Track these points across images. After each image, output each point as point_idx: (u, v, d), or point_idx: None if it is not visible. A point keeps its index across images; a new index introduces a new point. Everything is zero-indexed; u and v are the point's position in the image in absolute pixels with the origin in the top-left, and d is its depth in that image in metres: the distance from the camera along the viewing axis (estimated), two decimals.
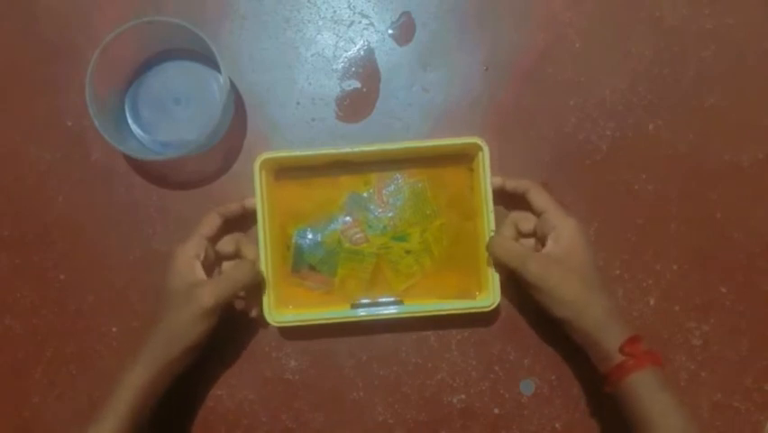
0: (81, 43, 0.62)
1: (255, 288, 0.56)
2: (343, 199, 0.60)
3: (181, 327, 0.52)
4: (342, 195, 0.60)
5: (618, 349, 0.50)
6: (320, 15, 0.63)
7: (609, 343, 0.51)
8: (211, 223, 0.56)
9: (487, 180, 0.56)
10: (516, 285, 0.57)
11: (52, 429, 0.61)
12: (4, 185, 0.62)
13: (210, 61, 0.59)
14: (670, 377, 0.52)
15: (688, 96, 0.62)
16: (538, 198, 0.56)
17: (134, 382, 0.51)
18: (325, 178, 0.60)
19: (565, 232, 0.53)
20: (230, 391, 0.60)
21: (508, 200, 0.59)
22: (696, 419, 0.50)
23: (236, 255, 0.59)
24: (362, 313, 0.58)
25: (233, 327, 0.59)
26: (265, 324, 0.57)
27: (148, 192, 0.62)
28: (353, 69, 0.63)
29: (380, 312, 0.58)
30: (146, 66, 0.61)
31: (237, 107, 0.62)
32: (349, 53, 0.63)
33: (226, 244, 0.58)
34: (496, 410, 0.60)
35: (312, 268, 0.60)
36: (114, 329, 0.61)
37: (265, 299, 0.57)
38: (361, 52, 0.63)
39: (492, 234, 0.57)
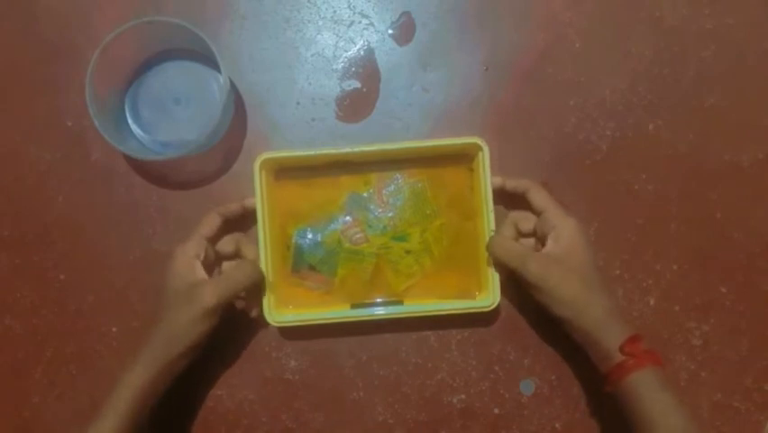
0: (81, 43, 0.62)
1: (255, 288, 0.56)
2: (343, 199, 0.60)
3: (182, 326, 0.52)
4: (342, 195, 0.60)
5: (618, 348, 0.50)
6: (320, 15, 0.63)
7: (609, 342, 0.51)
8: (211, 223, 0.56)
9: (487, 180, 0.56)
10: (516, 285, 0.57)
11: (52, 429, 0.61)
12: (4, 185, 0.62)
13: (210, 61, 0.59)
14: (670, 377, 0.52)
15: (688, 96, 0.62)
16: (538, 197, 0.56)
17: (135, 381, 0.51)
18: (325, 178, 0.60)
19: (565, 232, 0.53)
20: (230, 391, 0.60)
21: (508, 200, 0.59)
22: (696, 419, 0.50)
23: (236, 255, 0.59)
24: (362, 313, 0.58)
25: (233, 326, 0.59)
26: (265, 324, 0.57)
27: (148, 192, 0.62)
28: (353, 69, 0.63)
29: (380, 312, 0.58)
30: (146, 66, 0.61)
31: (237, 107, 0.62)
32: (349, 53, 0.63)
33: (226, 244, 0.58)
34: (496, 410, 0.60)
35: (312, 268, 0.60)
36: (114, 329, 0.61)
37: (265, 300, 0.57)
38: (361, 52, 0.63)
39: (492, 234, 0.57)
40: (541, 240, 0.56)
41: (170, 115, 0.61)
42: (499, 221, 0.58)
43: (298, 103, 0.63)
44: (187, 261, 0.54)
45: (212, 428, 0.60)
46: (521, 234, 0.58)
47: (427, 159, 0.60)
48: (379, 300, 0.60)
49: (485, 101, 0.62)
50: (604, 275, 0.58)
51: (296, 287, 0.60)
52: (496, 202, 0.57)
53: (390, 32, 0.63)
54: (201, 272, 0.54)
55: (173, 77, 0.61)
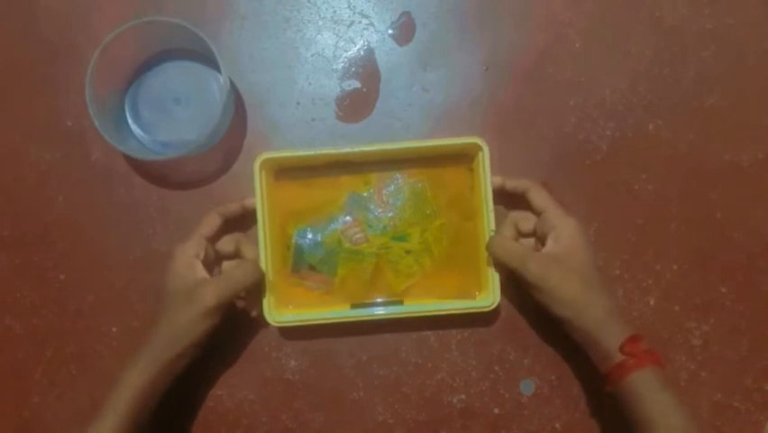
0: (81, 43, 0.62)
1: (256, 288, 0.56)
2: (343, 199, 0.60)
3: (182, 326, 0.52)
4: (342, 195, 0.60)
5: (619, 348, 0.50)
6: (320, 15, 0.63)
7: (610, 342, 0.51)
8: (211, 223, 0.56)
9: (487, 180, 0.56)
10: (516, 285, 0.57)
11: (52, 429, 0.61)
12: (4, 185, 0.62)
13: (210, 61, 0.59)
14: (670, 377, 0.52)
15: (688, 96, 0.62)
16: (538, 197, 0.56)
17: (135, 381, 0.51)
18: (325, 178, 0.60)
19: (565, 231, 0.53)
20: (230, 391, 0.60)
21: (508, 200, 0.59)
22: (696, 419, 0.50)
23: (236, 255, 0.59)
24: (362, 313, 0.58)
25: (233, 326, 0.59)
26: (265, 324, 0.57)
27: (148, 192, 0.62)
28: (353, 69, 0.63)
29: (380, 312, 0.58)
30: (146, 66, 0.61)
31: (237, 107, 0.62)
32: (349, 53, 0.63)
33: (226, 244, 0.58)
34: (496, 410, 0.60)
35: (312, 268, 0.60)
36: (114, 329, 0.61)
37: (265, 300, 0.57)
38: (361, 52, 0.63)
39: (492, 234, 0.56)
40: (541, 240, 0.56)
41: (170, 115, 0.61)
42: (499, 221, 0.58)
43: (298, 103, 0.63)
44: (187, 260, 0.54)
45: (212, 428, 0.60)
46: (521, 234, 0.58)
47: (427, 159, 0.60)
48: (379, 300, 0.60)
49: (485, 101, 0.62)
50: (604, 275, 0.58)
51: (296, 287, 0.60)
52: (496, 202, 0.57)
53: (390, 32, 0.63)
54: (202, 272, 0.54)
55: (173, 77, 0.61)
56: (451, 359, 0.61)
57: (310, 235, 0.60)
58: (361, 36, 0.63)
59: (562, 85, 0.62)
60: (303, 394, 0.61)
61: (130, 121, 0.61)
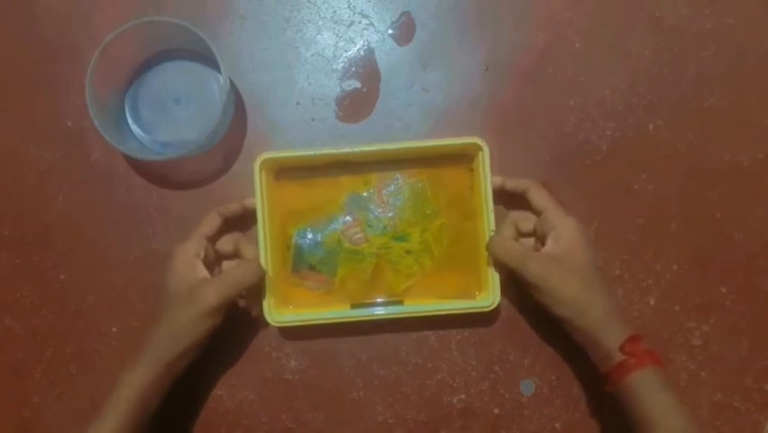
0: (81, 43, 0.62)
1: (256, 287, 0.56)
2: (343, 199, 0.60)
3: (184, 326, 0.52)
4: (342, 195, 0.60)
5: (619, 348, 0.50)
6: (320, 15, 0.63)
7: (610, 342, 0.51)
8: (211, 223, 0.56)
9: (487, 180, 0.56)
10: (516, 285, 0.57)
11: (52, 429, 0.61)
12: (4, 185, 0.62)
13: (210, 61, 0.59)
14: (670, 377, 0.52)
15: (688, 96, 0.62)
16: (538, 197, 0.56)
17: (136, 381, 0.51)
18: (325, 178, 0.60)
19: (565, 231, 0.53)
20: (230, 391, 0.60)
21: (508, 200, 0.59)
22: (696, 419, 0.50)
23: (235, 255, 0.59)
24: (362, 313, 0.58)
25: (233, 326, 0.59)
26: (265, 324, 0.57)
27: (148, 192, 0.62)
28: (353, 69, 0.63)
29: (380, 312, 0.58)
30: (146, 66, 0.61)
31: (237, 107, 0.62)
32: (349, 53, 0.63)
33: (225, 244, 0.58)
34: (496, 410, 0.60)
35: (312, 268, 0.60)
36: (114, 329, 0.61)
37: (265, 300, 0.57)
38: (361, 52, 0.63)
39: (492, 233, 0.56)
40: (541, 240, 0.56)
41: (170, 115, 0.61)
42: (499, 221, 0.58)
43: (298, 103, 0.63)
44: (188, 260, 0.54)
45: (212, 428, 0.60)
46: (521, 234, 0.58)
47: (427, 159, 0.60)
48: (379, 300, 0.60)
49: (485, 101, 0.62)
50: (604, 275, 0.58)
51: (296, 287, 0.60)
52: (496, 202, 0.57)
53: (390, 32, 0.63)
54: (203, 271, 0.54)
55: (173, 77, 0.61)
56: (451, 359, 0.61)
57: (310, 235, 0.60)
58: (361, 36, 0.63)
59: (562, 85, 0.62)
60: (303, 394, 0.61)
61: (130, 121, 0.61)
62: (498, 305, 0.56)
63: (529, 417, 0.60)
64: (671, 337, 0.61)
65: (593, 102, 0.62)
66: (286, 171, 0.60)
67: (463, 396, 0.60)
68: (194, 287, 0.52)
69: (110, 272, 0.61)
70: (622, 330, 0.51)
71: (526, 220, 0.57)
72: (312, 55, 0.63)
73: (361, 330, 0.60)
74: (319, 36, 0.63)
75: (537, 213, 0.56)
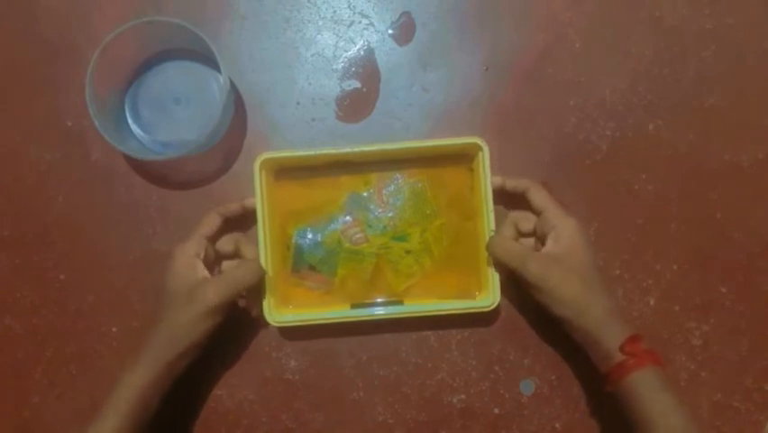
0: (81, 43, 0.62)
1: (256, 287, 0.56)
2: (343, 199, 0.60)
3: (184, 325, 0.52)
4: (342, 195, 0.60)
5: (619, 348, 0.50)
6: (320, 15, 0.63)
7: (610, 342, 0.51)
8: (211, 223, 0.56)
9: (487, 180, 0.56)
10: (516, 285, 0.57)
11: (52, 429, 0.61)
12: (4, 185, 0.62)
13: (210, 61, 0.59)
14: (670, 377, 0.52)
15: (688, 96, 0.62)
16: (538, 197, 0.56)
17: (136, 381, 0.51)
18: (325, 178, 0.60)
19: (565, 231, 0.53)
20: (230, 391, 0.60)
21: (508, 200, 0.59)
22: (696, 419, 0.50)
23: (235, 255, 0.59)
24: (362, 313, 0.58)
25: (233, 326, 0.59)
26: (265, 324, 0.57)
27: (148, 192, 0.62)
28: (353, 69, 0.63)
29: (380, 312, 0.58)
30: (146, 66, 0.61)
31: (237, 107, 0.62)
32: (349, 53, 0.63)
33: (225, 244, 0.58)
34: (496, 410, 0.60)
35: (312, 268, 0.60)
36: (114, 329, 0.61)
37: (265, 300, 0.57)
38: (361, 52, 0.63)
39: (492, 233, 0.56)
40: (541, 240, 0.56)
41: (170, 115, 0.61)
42: (499, 221, 0.58)
43: (298, 103, 0.63)
44: (188, 260, 0.54)
45: (212, 428, 0.60)
46: (521, 234, 0.58)
47: (427, 159, 0.60)
48: (379, 300, 0.60)
49: (485, 101, 0.62)
50: (604, 275, 0.58)
51: (296, 287, 0.60)
52: (496, 202, 0.57)
53: (390, 32, 0.63)
54: (203, 271, 0.54)
55: (173, 77, 0.61)
56: (451, 359, 0.61)
57: (310, 235, 0.60)
58: (361, 36, 0.63)
59: (562, 85, 0.62)
60: (303, 394, 0.61)
61: (130, 121, 0.61)
62: (498, 305, 0.56)
63: (529, 417, 0.60)
64: (671, 337, 0.61)
65: (593, 102, 0.62)
66: (286, 171, 0.60)
67: (463, 396, 0.60)
68: (194, 287, 0.52)
69: (110, 272, 0.61)
70: (622, 330, 0.51)
71: (526, 220, 0.57)
72: (312, 55, 0.63)
73: (361, 330, 0.60)
74: (319, 36, 0.63)
75: (537, 213, 0.56)
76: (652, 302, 0.61)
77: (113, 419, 0.50)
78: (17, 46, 0.63)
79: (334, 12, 0.63)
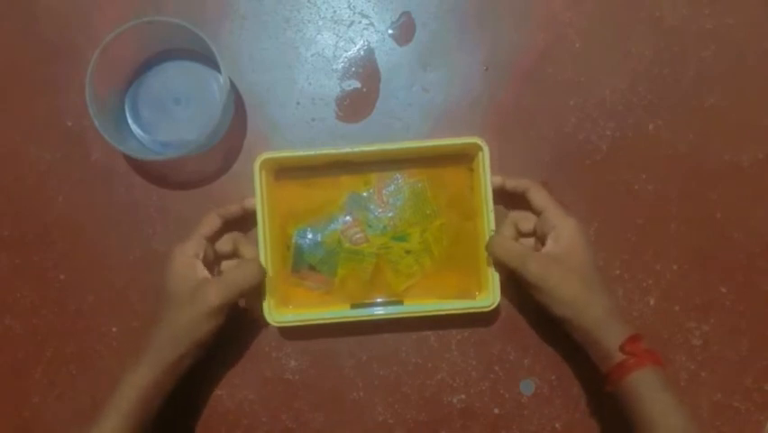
0: (81, 43, 0.62)
1: (256, 288, 0.56)
2: (343, 199, 0.60)
3: (185, 326, 0.52)
4: (342, 195, 0.60)
5: (619, 348, 0.50)
6: (320, 15, 0.63)
7: (610, 341, 0.51)
8: (210, 223, 0.56)
9: (487, 180, 0.56)
10: (516, 285, 0.57)
11: (52, 429, 0.61)
12: (4, 185, 0.62)
13: (210, 61, 0.59)
14: (670, 377, 0.52)
15: (688, 96, 0.62)
16: (538, 196, 0.56)
17: (138, 381, 0.51)
18: (325, 178, 0.60)
19: (565, 231, 0.53)
20: (230, 391, 0.60)
21: (508, 200, 0.59)
22: (696, 419, 0.50)
23: (234, 255, 0.58)
24: (362, 313, 0.58)
25: (233, 326, 0.59)
26: (265, 324, 0.57)
27: (148, 192, 0.62)
28: (353, 69, 0.63)
29: (380, 312, 0.58)
30: (146, 66, 0.61)
31: (237, 107, 0.62)
32: (349, 53, 0.63)
33: (224, 244, 0.58)
34: (496, 410, 0.60)
35: (312, 268, 0.60)
36: (114, 329, 0.61)
37: (265, 300, 0.57)
38: (361, 52, 0.63)
39: (492, 233, 0.56)
40: (541, 240, 0.56)
41: (170, 115, 0.61)
42: (499, 221, 0.58)
43: (298, 103, 0.63)
44: (188, 260, 0.54)
45: (212, 428, 0.60)
46: (521, 234, 0.58)
47: (427, 159, 0.60)
48: (379, 300, 0.60)
49: (485, 101, 0.62)
50: (604, 275, 0.58)
51: (296, 287, 0.60)
52: (496, 202, 0.57)
53: (390, 32, 0.63)
54: (203, 272, 0.54)
55: (173, 77, 0.61)
56: (451, 359, 0.61)
57: (310, 235, 0.60)
58: (361, 36, 0.63)
59: (562, 85, 0.62)
60: (303, 394, 0.61)
61: (130, 121, 0.61)
62: (498, 305, 0.56)
63: (529, 417, 0.60)
64: (671, 337, 0.61)
65: (593, 102, 0.62)
66: (286, 171, 0.60)
67: (463, 396, 0.60)
68: (195, 287, 0.52)
69: (110, 272, 0.61)
70: (622, 330, 0.51)
71: (526, 220, 0.57)
72: (312, 55, 0.63)
73: (361, 330, 0.60)
74: (319, 36, 0.63)
75: (537, 213, 0.56)
76: (652, 302, 0.61)
77: (115, 419, 0.50)
78: (17, 46, 0.63)
79: (334, 12, 0.63)
